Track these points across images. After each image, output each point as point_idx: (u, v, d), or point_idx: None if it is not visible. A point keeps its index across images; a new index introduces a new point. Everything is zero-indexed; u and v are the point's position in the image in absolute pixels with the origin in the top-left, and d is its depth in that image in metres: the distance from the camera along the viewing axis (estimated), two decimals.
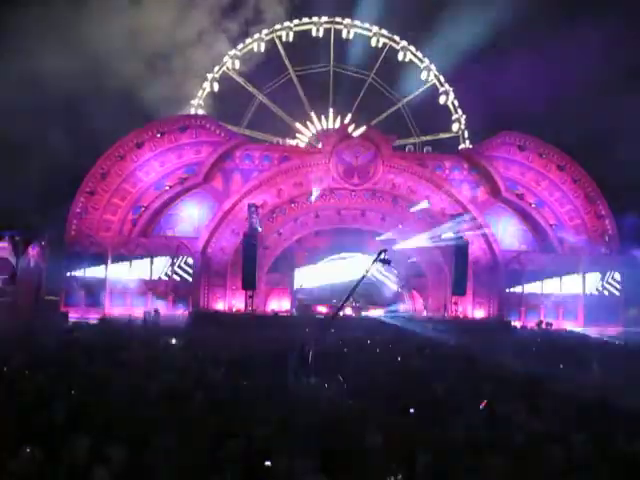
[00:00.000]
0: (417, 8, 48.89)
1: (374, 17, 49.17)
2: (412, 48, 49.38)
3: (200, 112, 47.10)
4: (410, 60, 49.58)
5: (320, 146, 43.11)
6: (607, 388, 16.65)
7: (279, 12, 50.18)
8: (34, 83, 39.73)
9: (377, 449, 9.76)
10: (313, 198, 41.59)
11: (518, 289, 42.80)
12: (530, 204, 43.33)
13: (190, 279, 40.41)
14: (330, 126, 49.71)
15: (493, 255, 42.54)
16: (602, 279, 42.90)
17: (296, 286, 45.38)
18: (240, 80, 48.86)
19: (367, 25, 49.10)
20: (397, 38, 49.19)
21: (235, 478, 8.44)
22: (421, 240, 41.55)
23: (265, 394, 14.53)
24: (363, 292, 41.15)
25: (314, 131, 49.81)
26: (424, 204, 41.74)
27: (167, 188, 41.18)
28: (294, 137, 49.49)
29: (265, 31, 48.42)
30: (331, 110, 50.17)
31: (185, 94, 47.58)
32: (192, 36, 48.89)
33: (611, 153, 43.05)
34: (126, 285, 39.61)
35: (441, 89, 49.86)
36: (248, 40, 48.45)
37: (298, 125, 49.77)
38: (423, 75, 49.78)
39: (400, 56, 49.29)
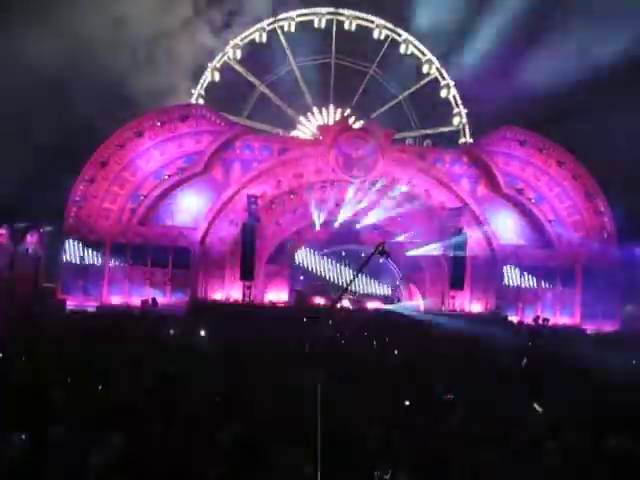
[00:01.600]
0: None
1: (377, 9, 49.02)
2: (414, 41, 49.19)
3: (201, 102, 46.98)
4: (412, 53, 49.42)
5: (320, 138, 43.02)
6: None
7: (262, 4, 50.00)
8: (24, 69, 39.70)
9: (374, 441, 9.80)
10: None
11: (515, 284, 42.87)
12: (529, 199, 43.31)
13: (188, 269, 40.40)
14: (331, 118, 49.60)
15: (491, 250, 42.56)
16: (600, 275, 42.91)
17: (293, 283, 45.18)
18: (241, 70, 48.70)
19: (369, 17, 48.90)
20: (399, 30, 49.01)
21: (232, 466, 8.47)
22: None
23: (263, 385, 14.56)
24: (361, 284, 41.29)
25: (314, 122, 49.70)
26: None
27: (166, 177, 41.08)
28: (294, 128, 49.39)
29: (267, 21, 48.23)
30: (332, 102, 50.04)
31: (170, 85, 47.19)
32: (175, 27, 48.58)
33: (611, 150, 43.07)
34: (124, 273, 39.64)
35: (442, 82, 49.76)
36: (250, 30, 48.28)
37: (298, 116, 49.65)
38: (425, 68, 49.65)
39: (402, 49, 49.16)
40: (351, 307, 41.51)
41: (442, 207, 42.72)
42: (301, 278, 46.33)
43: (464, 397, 14.26)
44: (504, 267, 42.57)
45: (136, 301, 38.04)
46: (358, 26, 48.94)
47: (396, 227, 43.35)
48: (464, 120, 49.99)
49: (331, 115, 49.96)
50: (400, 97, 50.34)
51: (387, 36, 49.03)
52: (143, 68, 44.25)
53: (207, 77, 48.24)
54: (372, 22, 48.82)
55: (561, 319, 42.06)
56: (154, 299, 37.72)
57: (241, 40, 48.24)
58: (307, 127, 49.84)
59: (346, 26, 48.74)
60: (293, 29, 48.39)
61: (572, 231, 43.30)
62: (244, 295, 40.00)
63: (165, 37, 47.54)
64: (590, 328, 39.71)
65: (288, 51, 48.79)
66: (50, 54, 39.36)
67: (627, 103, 41.40)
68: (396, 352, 23.91)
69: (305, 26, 48.71)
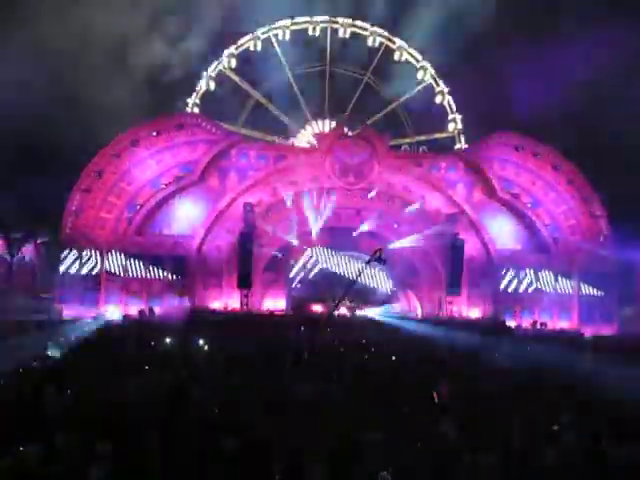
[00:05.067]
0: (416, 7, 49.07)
1: (371, 16, 49.23)
2: (409, 48, 49.30)
3: (196, 111, 47.04)
4: (406, 60, 49.54)
5: (316, 145, 43.09)
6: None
7: (217, 14, 49.80)
8: None
9: (376, 446, 9.80)
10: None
11: (513, 289, 42.89)
12: (525, 204, 43.40)
13: (185, 278, 40.34)
14: (326, 125, 49.68)
15: (488, 255, 42.61)
16: (597, 279, 42.94)
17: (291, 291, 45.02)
18: (236, 79, 48.77)
19: (364, 24, 49.04)
20: (394, 37, 49.14)
21: (233, 476, 8.46)
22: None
23: (262, 393, 14.54)
24: (358, 291, 41.21)
25: (310, 130, 49.76)
26: (416, 205, 42.04)
27: (163, 186, 41.09)
28: (290, 136, 49.45)
29: (262, 30, 48.29)
30: (327, 109, 50.12)
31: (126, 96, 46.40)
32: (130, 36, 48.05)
33: (606, 153, 43.22)
34: (121, 283, 39.54)
35: (437, 89, 49.87)
36: (244, 39, 48.32)
37: (294, 124, 49.73)
38: (419, 75, 49.76)
39: (396, 55, 49.26)
40: (348, 314, 41.48)
41: (438, 213, 42.78)
42: (298, 286, 46.26)
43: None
44: (501, 272, 42.63)
45: (133, 310, 37.97)
46: (352, 34, 49.07)
47: (393, 233, 43.36)
48: (459, 126, 50.08)
49: (326, 122, 50.03)
50: (395, 104, 50.45)
51: (381, 43, 49.16)
52: (100, 79, 43.76)
53: (202, 86, 48.26)
54: (366, 30, 48.95)
55: (559, 323, 42.09)
56: (151, 308, 37.63)
57: (236, 49, 48.29)
58: (303, 135, 49.90)
59: (340, 34, 48.87)
60: (288, 37, 48.48)
61: (568, 235, 43.39)
62: (242, 303, 39.94)
63: (121, 48, 47.06)
64: (588, 332, 39.71)
65: (283, 59, 48.87)
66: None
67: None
68: (394, 358, 23.93)
69: (300, 34, 48.81)
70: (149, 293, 39.71)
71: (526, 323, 41.10)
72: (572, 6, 48.19)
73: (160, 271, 40.25)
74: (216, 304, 41.22)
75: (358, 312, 42.40)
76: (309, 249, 44.92)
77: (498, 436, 11.33)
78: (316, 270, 45.67)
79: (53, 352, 22.30)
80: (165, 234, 41.24)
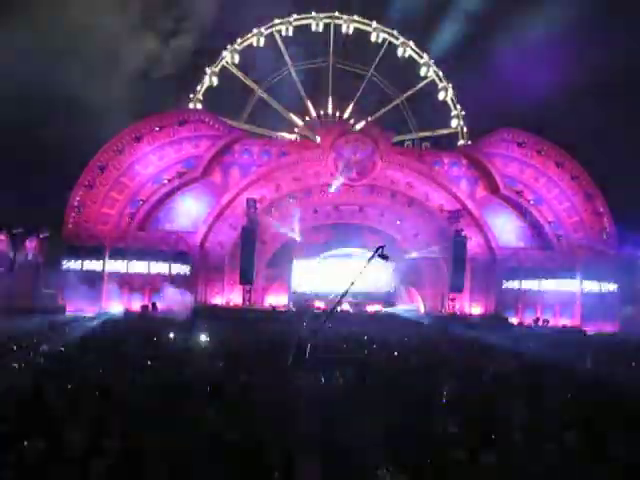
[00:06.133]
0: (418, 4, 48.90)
1: (374, 12, 49.08)
2: (412, 44, 49.17)
3: (199, 106, 47.00)
4: (410, 56, 49.43)
5: (319, 141, 43.04)
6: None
7: (209, 10, 49.57)
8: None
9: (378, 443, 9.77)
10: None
11: (515, 286, 42.84)
12: (529, 201, 43.32)
13: (188, 273, 40.37)
14: (329, 121, 49.57)
15: (491, 252, 42.57)
16: (599, 277, 42.86)
17: (293, 287, 45.15)
18: (239, 75, 48.68)
19: (367, 20, 48.91)
20: (397, 33, 49.00)
21: (234, 474, 8.45)
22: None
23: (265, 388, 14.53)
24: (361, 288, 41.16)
25: (313, 126, 49.65)
26: None
27: (165, 182, 41.09)
28: (293, 132, 49.38)
29: (265, 25, 48.17)
30: (330, 105, 50.03)
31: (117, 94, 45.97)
32: (121, 33, 47.74)
33: (609, 150, 43.14)
34: (124, 279, 39.57)
35: (440, 85, 49.76)
36: (247, 34, 48.21)
37: (297, 120, 49.64)
38: (422, 71, 49.65)
39: (400, 52, 49.15)
40: (351, 310, 41.49)
41: (441, 209, 42.73)
42: (300, 282, 46.27)
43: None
44: (503, 269, 42.55)
45: (136, 306, 38.01)
46: (355, 29, 48.95)
47: (396, 230, 43.32)
48: (462, 122, 49.98)
49: (329, 118, 49.91)
50: (398, 100, 50.33)
51: (384, 39, 49.02)
52: (93, 76, 43.56)
53: (205, 82, 48.18)
54: (369, 25, 48.83)
55: (561, 320, 42.03)
56: (154, 304, 37.64)
57: (239, 44, 48.20)
58: (305, 130, 49.81)
59: (344, 29, 48.75)
60: (291, 33, 48.37)
61: (571, 232, 43.31)
62: (244, 299, 39.98)
63: (114, 44, 46.82)
64: (590, 329, 39.67)
65: (286, 55, 48.77)
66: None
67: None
68: (396, 353, 23.86)
69: (303, 30, 48.70)
70: (151, 289, 39.71)
71: (528, 320, 41.05)
72: None
73: (162, 267, 40.30)
74: (218, 299, 41.28)
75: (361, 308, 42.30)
76: (311, 246, 44.90)
77: (499, 435, 11.30)
78: (318, 267, 45.67)
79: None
80: (167, 230, 41.26)
